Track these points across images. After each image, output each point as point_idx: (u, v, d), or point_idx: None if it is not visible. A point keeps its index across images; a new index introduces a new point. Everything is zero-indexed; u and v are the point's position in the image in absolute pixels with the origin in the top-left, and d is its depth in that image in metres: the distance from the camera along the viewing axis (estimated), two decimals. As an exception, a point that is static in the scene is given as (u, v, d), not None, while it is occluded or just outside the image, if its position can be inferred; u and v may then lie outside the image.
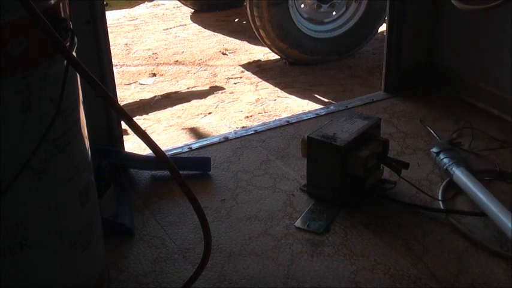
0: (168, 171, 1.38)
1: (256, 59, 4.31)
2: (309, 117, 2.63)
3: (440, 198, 2.01)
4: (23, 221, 1.21)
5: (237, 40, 4.72)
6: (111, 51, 2.11)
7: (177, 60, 4.36)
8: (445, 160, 2.10)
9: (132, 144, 2.84)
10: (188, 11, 5.62)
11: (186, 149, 2.37)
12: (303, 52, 3.97)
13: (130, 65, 4.31)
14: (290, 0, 3.84)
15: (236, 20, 5.27)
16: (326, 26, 4.10)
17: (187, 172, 2.18)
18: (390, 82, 2.84)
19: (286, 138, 2.44)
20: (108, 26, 2.08)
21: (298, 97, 3.59)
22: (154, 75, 4.11)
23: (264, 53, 4.37)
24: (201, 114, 3.42)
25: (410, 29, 2.73)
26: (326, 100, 3.53)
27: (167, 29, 5.18)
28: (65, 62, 1.19)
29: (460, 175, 2.01)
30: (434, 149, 2.19)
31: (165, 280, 1.69)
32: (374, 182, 2.02)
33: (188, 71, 4.14)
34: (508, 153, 2.26)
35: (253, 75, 4.00)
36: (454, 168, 2.05)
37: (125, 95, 3.78)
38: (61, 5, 1.23)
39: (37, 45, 1.14)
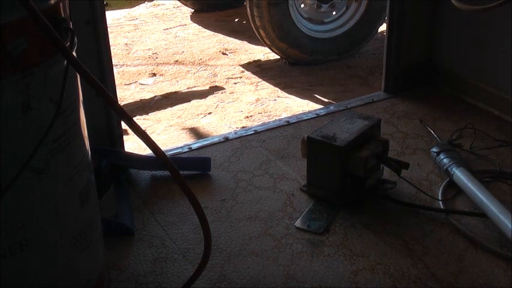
0: (168, 171, 1.37)
1: (256, 59, 4.31)
2: (309, 117, 2.63)
3: (440, 198, 2.01)
4: (23, 221, 1.21)
5: (237, 40, 4.72)
6: (111, 51, 2.11)
7: (177, 60, 4.36)
8: (445, 160, 2.10)
9: (132, 144, 2.84)
10: (188, 11, 5.62)
11: (186, 149, 2.37)
12: (303, 52, 3.97)
13: (130, 65, 4.31)
14: (290, 0, 3.84)
15: (236, 20, 5.27)
16: (326, 26, 4.10)
17: (187, 172, 2.18)
18: (390, 82, 2.83)
19: (286, 139, 2.44)
20: (108, 26, 2.08)
21: (298, 97, 3.59)
22: (154, 75, 4.11)
23: (264, 53, 4.37)
24: (201, 114, 3.42)
25: (410, 29, 2.73)
26: (326, 100, 3.53)
27: (167, 29, 5.18)
28: (65, 62, 1.19)
29: (460, 175, 2.01)
30: (434, 149, 2.19)
31: (165, 280, 1.69)
32: (374, 182, 2.01)
33: (188, 71, 4.14)
34: (508, 153, 2.26)
35: (253, 75, 4.00)
36: (454, 169, 2.05)
37: (125, 95, 3.78)
38: (61, 5, 1.23)
39: (37, 45, 1.14)
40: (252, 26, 3.94)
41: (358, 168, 1.90)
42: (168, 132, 3.21)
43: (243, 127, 3.11)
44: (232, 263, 1.75)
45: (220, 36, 4.85)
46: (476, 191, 1.92)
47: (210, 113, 3.43)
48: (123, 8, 5.11)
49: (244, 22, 5.09)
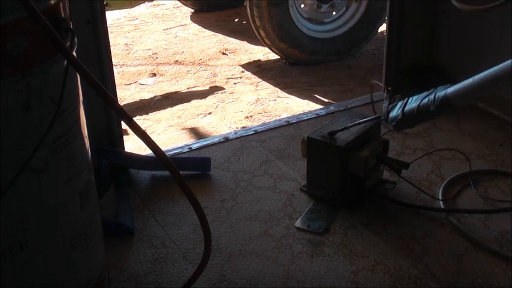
0: (168, 171, 1.37)
1: (256, 59, 4.31)
2: (309, 117, 2.63)
3: (440, 198, 2.00)
4: (23, 221, 1.21)
5: (237, 40, 4.72)
6: (111, 51, 2.11)
7: (177, 60, 4.36)
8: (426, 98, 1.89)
9: (132, 144, 2.84)
10: (188, 11, 5.63)
11: (186, 149, 2.37)
12: (303, 52, 3.98)
13: (130, 65, 4.31)
14: (290, 0, 3.85)
15: (236, 20, 5.28)
16: (326, 26, 4.11)
17: (187, 172, 2.18)
18: (390, 82, 2.83)
19: (286, 139, 2.44)
20: (108, 26, 2.08)
21: (298, 97, 3.60)
22: (154, 75, 4.11)
23: (264, 53, 4.37)
24: (201, 114, 3.43)
25: (410, 29, 2.73)
26: (326, 100, 3.54)
27: (167, 29, 5.18)
28: (65, 62, 1.19)
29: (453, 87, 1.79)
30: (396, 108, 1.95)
31: (165, 280, 1.68)
32: (374, 182, 2.01)
33: (188, 71, 4.14)
34: (508, 153, 2.26)
35: (253, 75, 4.00)
36: (441, 91, 1.83)
37: (125, 95, 3.79)
38: (61, 5, 1.23)
39: (37, 45, 1.14)
40: (252, 26, 3.94)
41: (358, 168, 1.90)
42: (168, 132, 3.22)
43: (243, 127, 3.11)
44: (232, 263, 1.75)
45: (220, 36, 4.86)
46: (472, 78, 1.72)
47: (210, 113, 3.43)
48: (123, 8, 5.13)
49: (244, 22, 5.09)
